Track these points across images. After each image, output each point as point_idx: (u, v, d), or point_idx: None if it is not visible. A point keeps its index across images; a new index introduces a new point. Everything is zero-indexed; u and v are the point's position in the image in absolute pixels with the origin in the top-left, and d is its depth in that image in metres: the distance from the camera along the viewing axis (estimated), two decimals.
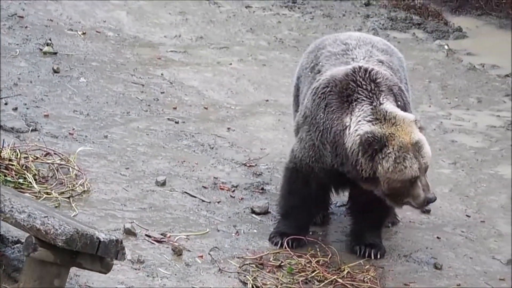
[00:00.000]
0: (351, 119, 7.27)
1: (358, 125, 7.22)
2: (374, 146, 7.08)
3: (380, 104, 7.27)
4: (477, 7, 16.34)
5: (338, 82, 7.42)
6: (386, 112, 7.21)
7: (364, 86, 7.35)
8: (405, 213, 8.71)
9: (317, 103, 7.50)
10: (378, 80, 7.40)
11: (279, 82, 12.00)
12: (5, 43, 11.14)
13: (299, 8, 15.71)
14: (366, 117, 7.22)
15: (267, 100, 11.31)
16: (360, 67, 7.47)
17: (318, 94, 7.52)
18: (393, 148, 7.07)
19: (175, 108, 10.41)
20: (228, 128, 10.09)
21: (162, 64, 12.05)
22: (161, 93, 10.82)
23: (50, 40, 11.51)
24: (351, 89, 7.37)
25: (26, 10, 12.70)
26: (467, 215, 9.02)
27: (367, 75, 7.40)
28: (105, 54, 11.86)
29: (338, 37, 8.17)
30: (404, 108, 7.46)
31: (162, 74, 11.52)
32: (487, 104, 12.39)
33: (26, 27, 12.01)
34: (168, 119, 10.02)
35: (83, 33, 12.41)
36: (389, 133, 7.10)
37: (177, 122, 9.96)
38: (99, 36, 12.57)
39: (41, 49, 11.24)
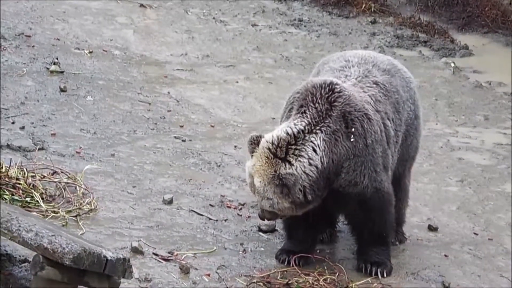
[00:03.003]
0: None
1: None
2: (250, 143, 7.37)
3: (310, 129, 7.21)
4: (483, 25, 16.34)
5: (300, 94, 7.43)
6: (299, 132, 7.19)
7: (316, 105, 7.30)
8: (412, 230, 8.70)
9: (283, 111, 7.63)
10: (335, 103, 7.31)
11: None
12: (12, 62, 11.18)
13: (305, 26, 15.73)
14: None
15: (273, 118, 11.30)
16: (330, 84, 7.39)
17: (288, 101, 7.59)
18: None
19: (181, 126, 10.42)
20: (235, 146, 10.09)
21: (168, 82, 12.07)
22: (168, 111, 10.83)
23: (57, 59, 11.54)
24: (305, 103, 7.33)
25: (33, 29, 12.75)
26: (474, 233, 9.00)
27: (328, 93, 7.33)
28: (112, 72, 11.88)
29: (344, 54, 8.16)
30: (364, 135, 7.32)
31: (168, 92, 11.54)
32: (494, 121, 12.37)
33: (33, 46, 12.05)
34: (175, 137, 10.03)
35: (90, 52, 12.45)
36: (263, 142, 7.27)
37: (183, 140, 9.96)
38: (105, 54, 12.61)
39: (48, 68, 11.27)
